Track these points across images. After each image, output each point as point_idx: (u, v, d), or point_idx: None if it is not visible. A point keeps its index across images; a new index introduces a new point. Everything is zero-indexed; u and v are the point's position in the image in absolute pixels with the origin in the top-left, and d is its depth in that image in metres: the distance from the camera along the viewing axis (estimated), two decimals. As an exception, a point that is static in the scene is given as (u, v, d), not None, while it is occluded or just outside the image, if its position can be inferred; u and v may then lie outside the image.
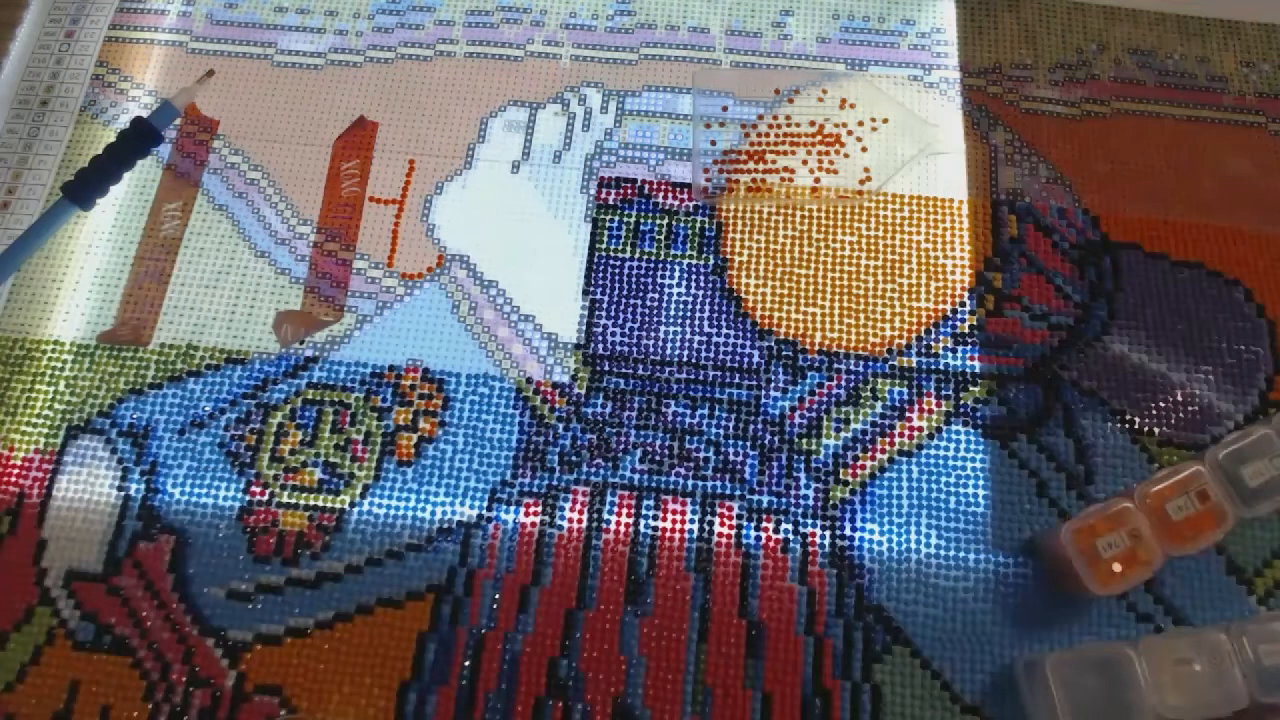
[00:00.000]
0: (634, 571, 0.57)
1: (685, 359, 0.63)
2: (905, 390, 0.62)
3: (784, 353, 0.63)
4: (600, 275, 0.65)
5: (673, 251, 0.66)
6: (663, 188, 0.68)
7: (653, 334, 0.64)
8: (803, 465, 0.60)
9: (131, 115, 0.70)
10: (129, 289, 0.65)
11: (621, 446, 0.61)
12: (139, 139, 0.66)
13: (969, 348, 0.63)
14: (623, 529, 0.58)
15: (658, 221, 0.67)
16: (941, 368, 0.62)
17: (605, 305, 0.64)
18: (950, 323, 0.64)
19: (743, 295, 0.65)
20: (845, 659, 0.56)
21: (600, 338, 0.63)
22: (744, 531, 0.58)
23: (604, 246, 0.66)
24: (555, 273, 0.65)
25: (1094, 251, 0.66)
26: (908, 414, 0.61)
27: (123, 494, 0.60)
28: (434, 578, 0.57)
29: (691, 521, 0.59)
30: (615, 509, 0.59)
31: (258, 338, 0.64)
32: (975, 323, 0.64)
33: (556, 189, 0.68)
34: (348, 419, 0.61)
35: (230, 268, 0.66)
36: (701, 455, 0.60)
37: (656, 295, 0.65)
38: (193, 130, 0.70)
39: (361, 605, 0.57)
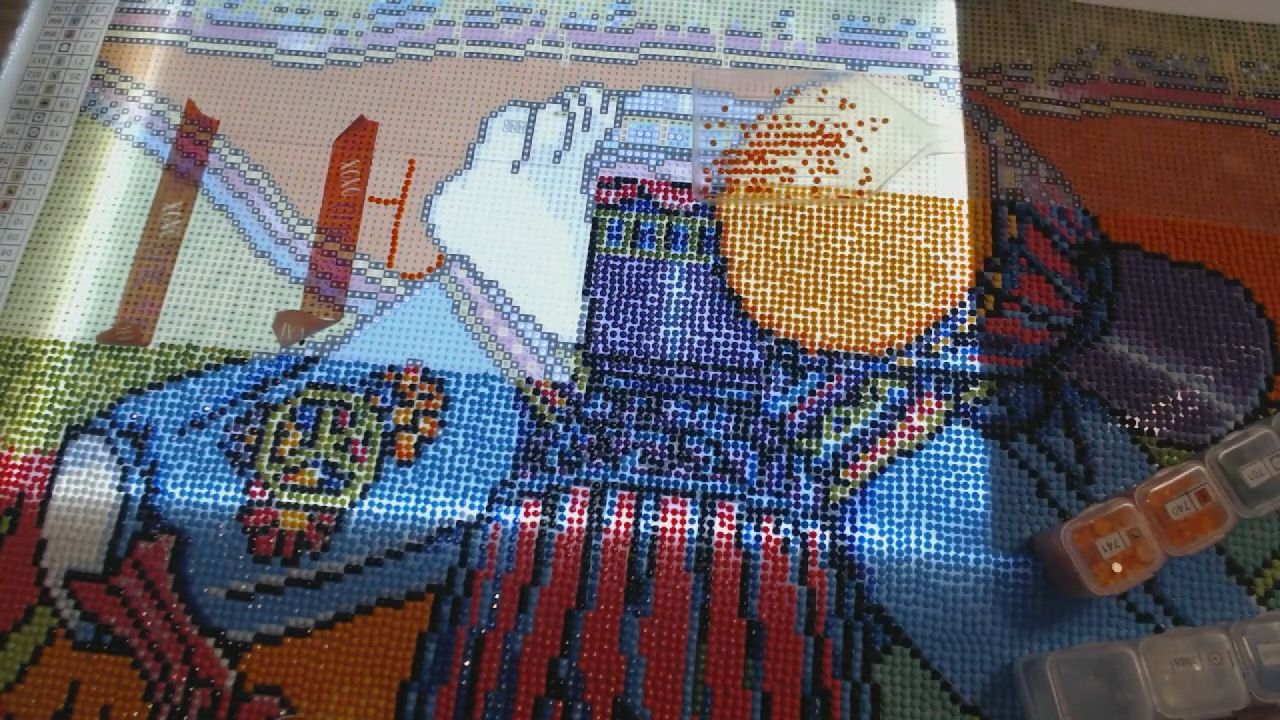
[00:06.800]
0: (634, 571, 0.57)
1: (685, 359, 0.63)
2: (905, 390, 0.62)
3: (784, 353, 0.63)
4: (600, 275, 0.65)
5: (673, 251, 0.66)
6: (663, 188, 0.68)
7: (653, 334, 0.64)
8: (803, 465, 0.60)
9: (131, 115, 0.71)
10: (129, 289, 0.65)
11: (621, 446, 0.61)
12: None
13: (969, 348, 0.63)
14: (623, 529, 0.58)
15: (658, 221, 0.67)
16: (941, 368, 0.62)
17: (605, 305, 0.64)
18: (950, 323, 0.64)
19: (743, 295, 0.65)
20: (845, 659, 0.56)
21: (600, 338, 0.63)
22: (744, 531, 0.58)
23: (604, 246, 0.66)
24: (555, 273, 0.65)
25: (1094, 251, 0.66)
26: (908, 414, 0.61)
27: (123, 494, 0.60)
28: (434, 578, 0.57)
29: (691, 521, 0.59)
30: (615, 509, 0.59)
31: (258, 338, 0.64)
32: (975, 323, 0.64)
33: (556, 189, 0.68)
34: (348, 419, 0.61)
35: (230, 268, 0.66)
36: (701, 455, 0.60)
37: (656, 295, 0.65)
38: (193, 130, 0.70)
39: (361, 605, 0.57)
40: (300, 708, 0.55)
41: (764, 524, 0.58)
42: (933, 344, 0.63)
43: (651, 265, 0.65)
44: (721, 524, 0.59)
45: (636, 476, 0.60)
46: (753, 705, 0.55)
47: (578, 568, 0.58)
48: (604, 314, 0.64)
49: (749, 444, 0.61)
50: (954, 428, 0.61)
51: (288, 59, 0.73)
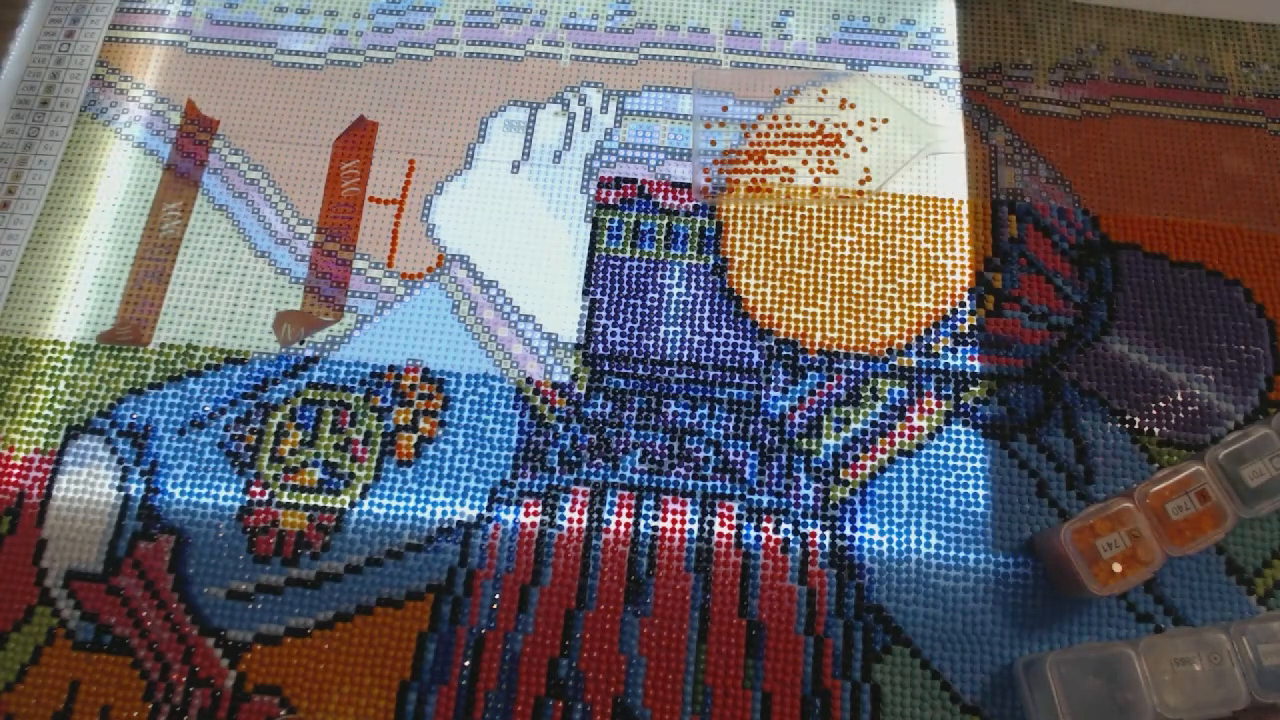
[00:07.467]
0: (634, 571, 0.57)
1: (685, 359, 0.63)
2: (905, 390, 0.62)
3: (784, 353, 0.63)
4: (600, 275, 0.65)
5: (673, 251, 0.66)
6: (663, 188, 0.68)
7: (653, 334, 0.64)
8: (803, 465, 0.60)
9: (131, 115, 0.71)
10: (129, 289, 0.65)
11: (621, 446, 0.61)
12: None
13: (969, 348, 0.63)
14: (623, 529, 0.58)
15: (658, 221, 0.67)
16: (941, 368, 0.62)
17: (605, 305, 0.64)
18: (950, 323, 0.64)
19: (743, 295, 0.65)
20: (845, 659, 0.56)
21: (600, 338, 0.63)
22: (744, 531, 0.58)
23: (604, 246, 0.66)
24: (555, 273, 0.65)
25: (1094, 251, 0.66)
26: (908, 414, 0.61)
27: (123, 494, 0.60)
28: (434, 578, 0.57)
29: (691, 521, 0.59)
30: (615, 509, 0.59)
31: (258, 338, 0.64)
32: (975, 323, 0.64)
33: (556, 189, 0.68)
34: (348, 419, 0.61)
35: (230, 268, 0.66)
36: (701, 455, 0.60)
37: (656, 295, 0.65)
38: (193, 130, 0.70)
39: (361, 605, 0.57)
40: (300, 708, 0.55)
41: (764, 524, 0.58)
42: (933, 344, 0.63)
43: (651, 265, 0.65)
44: (721, 524, 0.59)
45: (636, 476, 0.60)
46: (753, 705, 0.55)
47: (578, 568, 0.58)
48: (604, 314, 0.64)
49: (749, 444, 0.60)
50: (954, 428, 0.61)
51: (288, 59, 0.73)
